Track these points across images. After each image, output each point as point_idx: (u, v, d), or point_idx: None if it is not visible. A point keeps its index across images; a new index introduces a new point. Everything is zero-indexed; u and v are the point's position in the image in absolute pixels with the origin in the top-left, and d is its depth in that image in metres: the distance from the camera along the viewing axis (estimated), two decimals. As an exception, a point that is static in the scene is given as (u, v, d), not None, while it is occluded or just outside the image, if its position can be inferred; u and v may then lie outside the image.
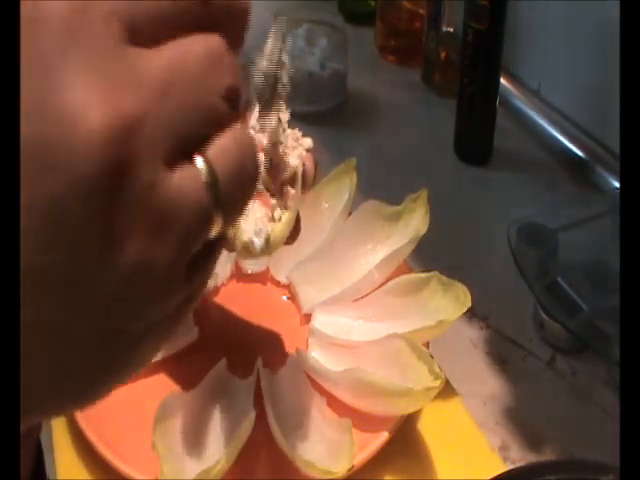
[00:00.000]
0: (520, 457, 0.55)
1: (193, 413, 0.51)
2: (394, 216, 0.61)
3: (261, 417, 0.50)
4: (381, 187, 0.70)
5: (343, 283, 0.60)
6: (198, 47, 0.22)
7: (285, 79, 0.31)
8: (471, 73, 0.77)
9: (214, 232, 0.24)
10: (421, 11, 0.94)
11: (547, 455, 0.55)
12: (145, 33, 0.22)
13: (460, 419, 0.55)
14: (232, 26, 0.24)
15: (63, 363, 0.23)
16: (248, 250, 0.40)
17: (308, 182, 0.44)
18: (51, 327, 0.22)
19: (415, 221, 0.59)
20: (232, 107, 0.23)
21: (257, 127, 0.39)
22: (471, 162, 0.83)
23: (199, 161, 0.22)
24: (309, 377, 0.55)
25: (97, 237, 0.21)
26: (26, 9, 0.21)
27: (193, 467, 0.47)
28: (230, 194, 0.23)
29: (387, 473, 0.52)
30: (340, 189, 0.64)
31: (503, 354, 0.62)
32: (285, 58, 0.32)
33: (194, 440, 0.50)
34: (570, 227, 0.65)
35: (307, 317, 0.60)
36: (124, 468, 0.49)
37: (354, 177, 0.63)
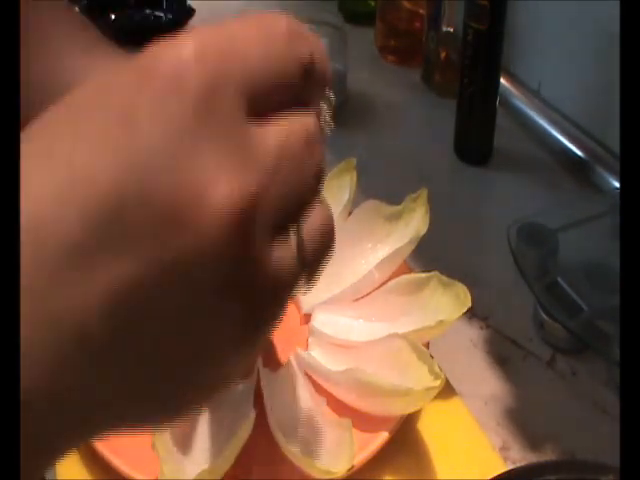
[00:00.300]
0: (521, 457, 0.55)
1: (193, 413, 0.51)
2: (394, 216, 0.61)
3: (261, 417, 0.50)
4: (381, 187, 0.70)
5: (343, 283, 0.60)
6: (299, 127, 0.24)
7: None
8: (471, 73, 0.77)
9: (297, 291, 0.26)
10: (421, 11, 0.94)
11: (547, 455, 0.55)
12: (260, 106, 0.23)
13: (460, 419, 0.55)
14: (319, 95, 0.26)
15: (135, 398, 0.24)
16: None
17: None
18: (141, 370, 0.23)
19: (415, 221, 0.59)
20: (319, 183, 0.26)
21: None
22: (471, 162, 0.83)
23: (293, 237, 0.25)
24: (309, 377, 0.55)
25: (211, 300, 0.23)
26: (166, 75, 0.22)
27: (193, 467, 0.47)
28: (312, 264, 0.26)
29: (387, 473, 0.52)
30: (340, 189, 0.64)
31: (503, 354, 0.62)
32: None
33: (194, 440, 0.50)
34: (570, 227, 0.65)
35: (307, 317, 0.60)
36: (124, 468, 0.49)
37: (354, 177, 0.63)
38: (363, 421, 0.51)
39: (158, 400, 0.25)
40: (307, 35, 0.25)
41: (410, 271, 0.60)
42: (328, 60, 0.26)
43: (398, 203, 0.61)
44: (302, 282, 0.26)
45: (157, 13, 1.03)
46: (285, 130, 0.24)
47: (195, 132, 0.22)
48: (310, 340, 0.58)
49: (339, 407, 0.53)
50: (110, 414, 0.24)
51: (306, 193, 0.25)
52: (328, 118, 0.31)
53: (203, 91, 0.22)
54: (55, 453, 0.24)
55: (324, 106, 0.28)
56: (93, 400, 0.23)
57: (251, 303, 0.24)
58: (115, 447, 0.50)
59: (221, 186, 0.22)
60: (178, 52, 0.22)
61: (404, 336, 0.53)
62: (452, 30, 0.89)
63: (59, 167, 0.21)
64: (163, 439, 0.49)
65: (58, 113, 0.23)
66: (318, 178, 0.25)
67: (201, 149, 0.22)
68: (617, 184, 0.75)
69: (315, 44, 0.25)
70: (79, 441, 0.25)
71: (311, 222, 0.25)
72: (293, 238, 0.25)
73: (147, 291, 0.22)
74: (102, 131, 0.22)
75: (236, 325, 0.24)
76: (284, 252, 0.24)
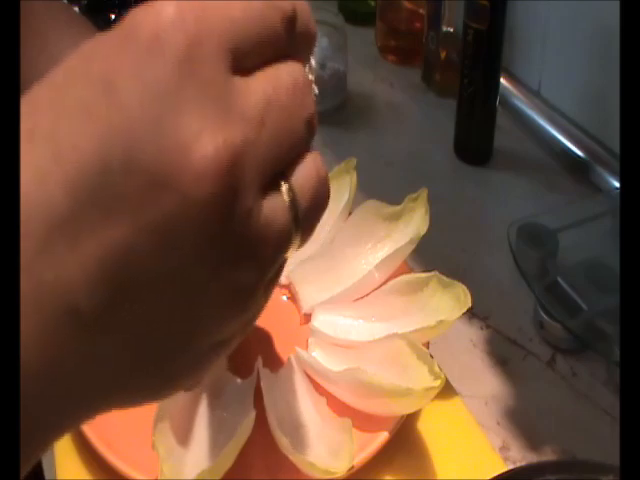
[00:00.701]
0: (521, 457, 0.55)
1: (193, 413, 0.51)
2: (394, 216, 0.61)
3: (261, 417, 0.50)
4: (381, 187, 0.70)
5: (343, 283, 0.60)
6: (286, 77, 0.24)
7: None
8: (471, 73, 0.77)
9: (291, 252, 0.25)
10: (421, 11, 0.94)
11: (547, 455, 0.55)
12: (245, 61, 0.23)
13: (460, 419, 0.55)
14: (304, 48, 0.26)
15: (136, 370, 0.24)
16: None
17: None
18: (138, 340, 0.23)
19: (415, 221, 0.59)
20: (311, 133, 0.25)
21: None
22: (471, 162, 0.83)
23: (285, 189, 0.24)
24: (309, 377, 0.55)
25: (202, 259, 0.22)
26: (145, 38, 0.22)
27: (193, 467, 0.47)
28: (307, 217, 0.25)
29: (387, 473, 0.52)
30: (340, 189, 0.64)
31: (503, 354, 0.62)
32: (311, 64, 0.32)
33: (194, 440, 0.50)
34: (570, 227, 0.65)
35: (307, 317, 0.60)
36: (124, 468, 0.49)
37: (354, 177, 0.63)
38: (363, 421, 0.51)
39: (155, 371, 0.25)
40: None
41: (410, 271, 0.60)
42: (311, 14, 0.26)
43: (398, 203, 0.61)
44: (297, 239, 0.25)
45: (157, 13, 1.03)
46: (271, 80, 0.24)
47: (177, 91, 0.21)
48: (310, 340, 0.58)
49: (339, 407, 0.53)
50: (108, 388, 0.24)
51: (297, 143, 0.24)
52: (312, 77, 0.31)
53: (183, 48, 0.22)
54: (51, 432, 0.24)
55: (311, 63, 0.28)
56: (88, 375, 0.23)
57: (244, 262, 0.23)
58: (115, 447, 0.50)
59: (205, 142, 0.21)
60: (157, 13, 0.22)
61: (404, 336, 0.53)
62: (452, 30, 0.89)
63: (42, 146, 0.21)
64: (163, 439, 0.49)
65: (39, 92, 0.22)
66: (309, 127, 0.25)
67: (184, 107, 0.21)
68: (617, 184, 0.75)
69: (297, 1, 0.25)
70: (76, 419, 0.25)
71: (304, 173, 0.25)
72: (285, 190, 0.24)
73: (136, 257, 0.22)
74: (83, 101, 0.22)
75: (231, 286, 0.23)
76: (276, 205, 0.24)
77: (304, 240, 0.26)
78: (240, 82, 0.23)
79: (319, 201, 0.25)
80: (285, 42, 0.24)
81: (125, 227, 0.21)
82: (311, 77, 0.32)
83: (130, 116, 0.21)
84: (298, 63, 0.25)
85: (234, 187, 0.22)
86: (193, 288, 0.23)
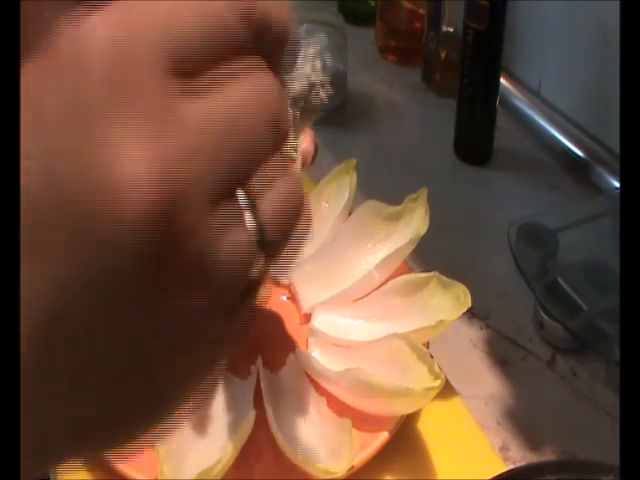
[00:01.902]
0: (520, 457, 0.55)
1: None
2: (394, 216, 0.61)
3: (261, 417, 0.50)
4: (381, 187, 0.70)
5: (343, 283, 0.60)
6: (240, 75, 0.21)
7: (322, 94, 0.30)
8: (471, 73, 0.77)
9: (256, 272, 0.23)
10: (421, 11, 0.94)
11: (547, 455, 0.55)
12: (189, 63, 0.21)
13: (460, 419, 0.55)
14: (273, 45, 0.23)
15: (100, 414, 0.22)
16: None
17: (307, 158, 0.43)
18: (90, 380, 0.21)
19: (415, 221, 0.59)
20: (277, 135, 0.22)
21: None
22: (471, 162, 0.83)
23: (240, 196, 0.21)
24: (309, 377, 0.55)
25: (144, 287, 0.20)
26: (69, 52, 0.20)
27: (193, 467, 0.47)
28: (275, 233, 0.22)
29: (387, 473, 0.52)
30: (340, 189, 0.64)
31: (503, 354, 0.62)
32: (319, 75, 0.30)
33: (194, 440, 0.50)
34: (570, 227, 0.65)
35: (307, 317, 0.60)
36: (124, 468, 0.49)
37: (354, 177, 0.63)
38: (363, 421, 0.51)
39: (135, 408, 0.23)
40: None
41: (410, 271, 0.60)
42: (287, 14, 0.23)
43: (398, 203, 0.61)
44: (264, 261, 0.22)
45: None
46: (221, 85, 0.21)
47: (103, 102, 0.19)
48: (310, 340, 0.58)
49: (339, 407, 0.53)
50: (93, 429, 0.22)
51: (256, 148, 0.22)
52: (322, 93, 0.30)
53: (109, 65, 0.20)
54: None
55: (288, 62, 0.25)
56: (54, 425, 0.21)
57: (198, 288, 0.21)
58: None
59: (134, 157, 0.19)
60: (82, 33, 0.20)
61: (404, 336, 0.53)
62: (452, 30, 0.89)
63: None
64: (163, 439, 0.49)
65: None
66: (275, 130, 0.22)
67: (111, 121, 0.19)
68: (617, 184, 0.75)
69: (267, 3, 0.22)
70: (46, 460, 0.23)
71: (267, 179, 0.22)
72: (241, 197, 0.21)
73: (73, 292, 0.20)
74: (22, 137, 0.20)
75: (183, 311, 0.21)
76: (230, 216, 0.21)
77: (272, 258, 0.23)
78: (180, 87, 0.20)
79: (287, 216, 0.23)
80: (244, 41, 0.22)
81: (59, 268, 0.19)
82: (317, 78, 0.29)
83: (51, 139, 0.19)
84: (257, 58, 0.22)
85: (172, 202, 0.20)
86: (147, 320, 0.21)
